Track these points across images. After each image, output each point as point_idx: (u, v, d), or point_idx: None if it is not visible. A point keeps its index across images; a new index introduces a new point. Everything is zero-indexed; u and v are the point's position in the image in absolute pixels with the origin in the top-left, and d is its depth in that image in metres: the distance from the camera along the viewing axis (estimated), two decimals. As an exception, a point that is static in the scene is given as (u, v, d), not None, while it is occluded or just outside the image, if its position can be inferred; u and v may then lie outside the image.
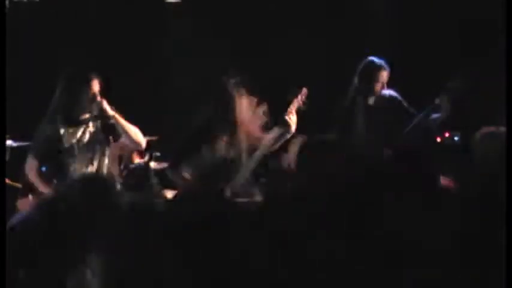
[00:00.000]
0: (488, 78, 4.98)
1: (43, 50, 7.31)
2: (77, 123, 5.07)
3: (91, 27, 7.35)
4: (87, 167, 5.06)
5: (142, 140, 5.16)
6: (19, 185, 6.88)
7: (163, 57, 7.48)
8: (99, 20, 7.40)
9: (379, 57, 5.72)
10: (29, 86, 7.24)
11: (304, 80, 5.51)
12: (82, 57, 6.88)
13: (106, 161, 5.13)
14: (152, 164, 6.66)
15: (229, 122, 5.15)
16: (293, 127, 5.31)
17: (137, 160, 6.76)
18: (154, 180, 6.48)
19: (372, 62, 5.68)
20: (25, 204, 6.60)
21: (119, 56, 7.27)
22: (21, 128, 6.47)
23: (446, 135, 5.31)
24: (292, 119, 5.30)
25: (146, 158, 6.61)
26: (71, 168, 5.06)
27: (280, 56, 7.03)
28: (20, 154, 6.68)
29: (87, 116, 5.07)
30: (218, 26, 7.22)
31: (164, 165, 6.53)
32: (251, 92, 5.25)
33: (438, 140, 5.35)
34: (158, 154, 6.73)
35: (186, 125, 5.43)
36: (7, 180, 6.44)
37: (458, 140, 5.23)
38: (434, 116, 5.39)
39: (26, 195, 6.68)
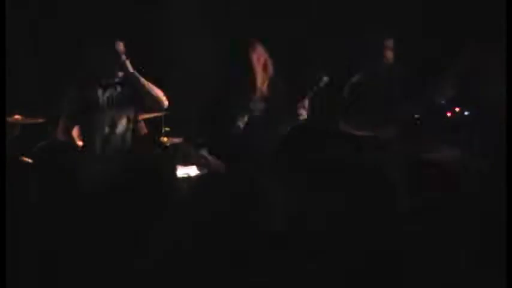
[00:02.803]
0: (492, 57, 4.84)
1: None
2: (103, 85, 5.09)
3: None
4: (111, 127, 5.10)
5: (164, 100, 5.13)
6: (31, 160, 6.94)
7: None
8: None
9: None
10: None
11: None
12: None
13: (129, 123, 5.15)
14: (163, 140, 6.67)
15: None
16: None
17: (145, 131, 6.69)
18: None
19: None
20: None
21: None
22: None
23: (457, 109, 5.27)
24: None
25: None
26: (96, 128, 5.10)
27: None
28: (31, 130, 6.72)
29: (112, 78, 5.10)
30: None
31: (175, 140, 6.54)
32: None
33: (449, 114, 5.31)
34: (168, 129, 6.72)
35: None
36: (22, 157, 6.51)
37: (468, 115, 5.18)
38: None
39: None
